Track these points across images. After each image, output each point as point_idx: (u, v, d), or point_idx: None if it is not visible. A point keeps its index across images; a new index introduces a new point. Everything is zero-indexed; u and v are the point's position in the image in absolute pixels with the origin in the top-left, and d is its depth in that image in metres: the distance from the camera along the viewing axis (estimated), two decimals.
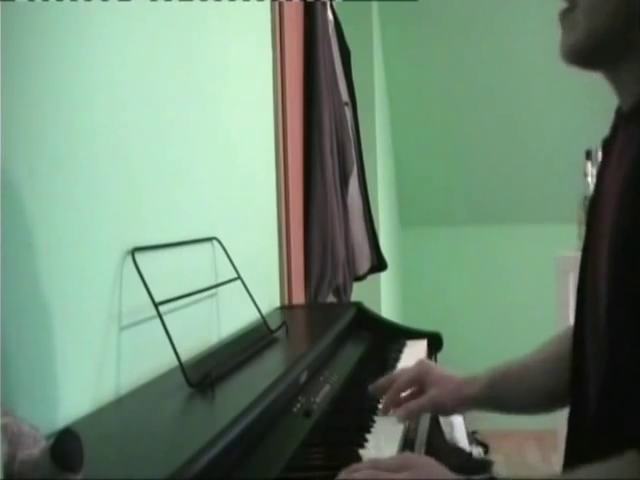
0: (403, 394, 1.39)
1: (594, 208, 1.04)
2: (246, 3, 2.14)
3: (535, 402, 1.31)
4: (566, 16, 0.97)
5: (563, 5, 0.98)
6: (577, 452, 1.01)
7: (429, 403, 1.34)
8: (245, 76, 2.14)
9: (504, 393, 1.32)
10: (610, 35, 0.94)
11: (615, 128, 1.02)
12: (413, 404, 1.35)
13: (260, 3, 2.30)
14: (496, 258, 4.74)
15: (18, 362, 1.06)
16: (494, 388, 1.31)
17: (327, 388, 1.54)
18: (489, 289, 4.75)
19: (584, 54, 0.96)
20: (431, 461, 1.04)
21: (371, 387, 1.44)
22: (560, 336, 1.27)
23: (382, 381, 1.44)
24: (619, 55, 0.95)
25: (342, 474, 1.02)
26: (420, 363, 1.43)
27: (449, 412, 1.43)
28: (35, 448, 0.82)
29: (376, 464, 1.03)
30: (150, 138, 1.50)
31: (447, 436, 3.69)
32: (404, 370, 1.45)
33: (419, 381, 1.37)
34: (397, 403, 1.38)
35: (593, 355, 1.00)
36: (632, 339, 0.87)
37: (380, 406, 1.41)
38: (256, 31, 2.30)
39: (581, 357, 1.04)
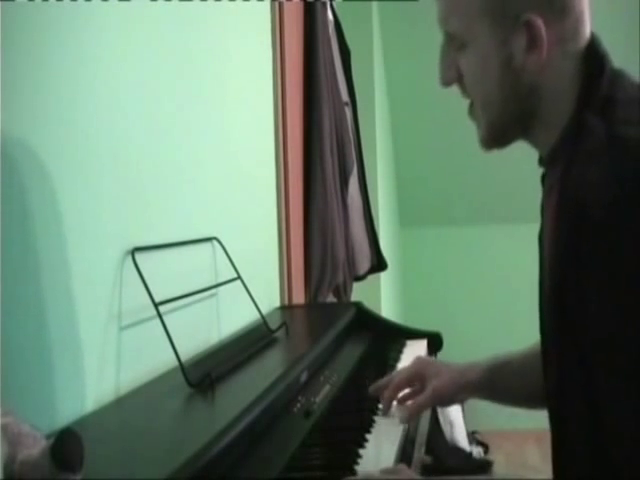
0: (402, 393, 1.39)
1: (541, 241, 1.10)
2: (246, 3, 2.14)
3: (530, 396, 1.31)
4: (471, 112, 1.09)
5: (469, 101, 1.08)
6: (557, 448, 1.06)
7: (430, 395, 1.34)
8: (245, 76, 2.14)
9: (502, 382, 1.33)
10: (507, 117, 1.05)
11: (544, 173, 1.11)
12: (415, 402, 1.35)
13: (260, 3, 2.30)
14: (496, 258, 4.74)
15: (18, 362, 1.06)
16: (493, 376, 1.32)
17: (327, 388, 1.54)
18: (489, 289, 4.74)
19: (495, 140, 1.10)
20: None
21: (371, 388, 1.45)
22: None
23: (382, 381, 1.44)
24: (523, 125, 1.05)
25: None
26: (417, 359, 1.44)
27: (451, 400, 1.43)
28: (35, 448, 0.82)
29: (370, 474, 1.05)
30: (150, 138, 1.50)
31: (447, 436, 3.69)
32: (403, 369, 1.45)
33: (419, 377, 1.38)
34: (398, 401, 1.38)
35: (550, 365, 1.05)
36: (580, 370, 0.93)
37: (380, 406, 1.41)
38: (256, 31, 2.30)
39: (545, 360, 1.09)
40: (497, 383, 1.33)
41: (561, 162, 1.00)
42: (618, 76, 1.01)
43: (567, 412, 0.97)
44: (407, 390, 1.41)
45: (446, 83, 1.09)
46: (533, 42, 0.99)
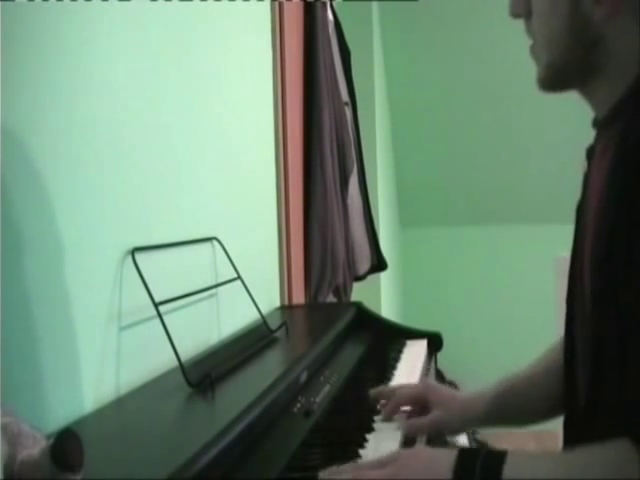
0: (403, 408, 1.38)
1: (580, 214, 1.09)
2: (246, 3, 2.13)
3: (540, 412, 1.30)
4: (532, 51, 1.08)
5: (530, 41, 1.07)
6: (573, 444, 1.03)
7: (434, 424, 1.32)
8: (245, 76, 2.14)
9: (509, 408, 1.31)
10: (569, 62, 1.03)
11: (596, 137, 1.09)
12: (417, 422, 1.33)
13: (260, 3, 2.30)
14: (496, 258, 4.74)
15: (18, 362, 1.06)
16: (499, 405, 1.30)
17: (327, 388, 1.54)
18: (489, 289, 4.74)
19: (551, 83, 1.07)
20: (419, 449, 1.04)
21: (372, 392, 1.43)
22: (560, 343, 1.27)
23: (384, 389, 1.44)
24: (584, 76, 1.04)
25: (322, 474, 1.03)
26: (424, 382, 1.42)
27: (454, 432, 1.42)
28: (35, 448, 0.82)
29: (359, 465, 1.05)
30: (150, 138, 1.50)
31: (447, 436, 3.69)
32: (406, 385, 1.44)
33: (421, 400, 1.35)
34: (398, 415, 1.37)
35: (582, 355, 1.04)
36: (614, 333, 0.91)
37: (381, 416, 1.40)
38: (256, 31, 2.30)
39: (572, 358, 1.08)
40: (503, 411, 1.31)
41: (622, 121, 0.98)
42: None
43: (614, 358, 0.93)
44: (407, 408, 1.39)
45: (515, 14, 1.08)
46: None
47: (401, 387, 1.45)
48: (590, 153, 1.10)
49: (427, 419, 1.32)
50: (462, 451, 0.97)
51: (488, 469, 0.93)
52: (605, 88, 1.02)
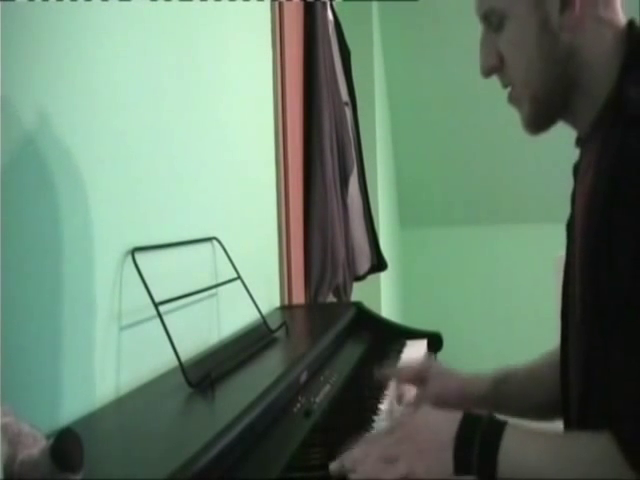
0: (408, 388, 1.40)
1: (569, 230, 1.11)
2: (246, 3, 2.13)
3: (536, 408, 1.31)
4: (512, 97, 1.10)
5: (507, 90, 1.10)
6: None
7: (434, 396, 1.33)
8: (245, 76, 2.14)
9: (507, 395, 1.32)
10: (551, 90, 1.06)
11: (580, 155, 1.11)
12: (417, 396, 1.35)
13: (260, 3, 2.30)
14: (496, 258, 4.74)
15: (18, 362, 1.06)
16: (498, 389, 1.31)
17: (327, 388, 1.54)
18: (489, 289, 4.74)
19: (540, 120, 1.09)
20: (424, 411, 1.06)
21: (378, 373, 1.45)
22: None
23: (389, 370, 1.47)
24: (567, 102, 1.06)
25: (339, 461, 1.04)
26: (426, 359, 1.44)
27: (453, 409, 1.42)
28: (35, 448, 0.82)
29: (369, 438, 1.06)
30: (150, 138, 1.50)
31: None
32: (409, 364, 1.46)
33: (424, 375, 1.37)
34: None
35: (575, 360, 1.07)
36: (601, 343, 0.95)
37: (381, 406, 1.41)
38: (256, 31, 2.30)
39: (566, 364, 1.11)
40: (502, 396, 1.32)
41: (601, 134, 1.00)
42: None
43: (594, 385, 0.98)
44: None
45: (488, 71, 1.10)
46: (565, 2, 1.01)
47: (404, 366, 1.48)
48: (575, 171, 1.12)
49: (427, 393, 1.34)
50: (464, 419, 1.00)
51: (487, 441, 0.97)
52: (585, 102, 1.04)
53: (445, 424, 1.01)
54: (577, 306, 1.03)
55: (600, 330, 0.95)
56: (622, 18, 1.05)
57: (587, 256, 0.98)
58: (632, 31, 1.04)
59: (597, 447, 0.93)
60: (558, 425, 1.16)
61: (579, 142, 1.10)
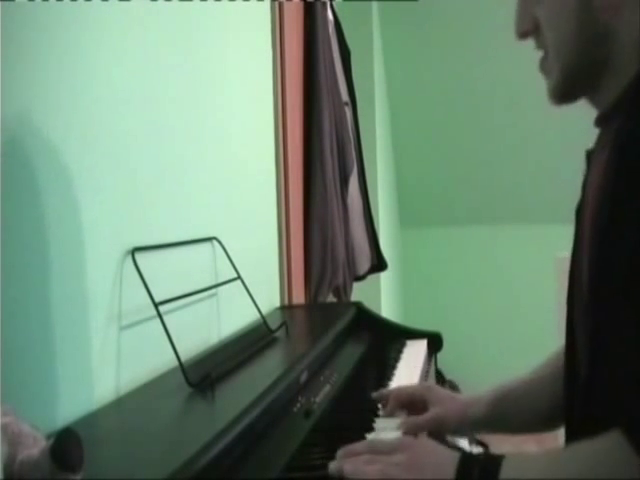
0: (402, 410, 1.39)
1: (579, 215, 1.10)
2: (246, 3, 2.13)
3: (537, 421, 1.31)
4: (543, 65, 1.08)
5: (540, 55, 1.08)
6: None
7: (433, 421, 1.33)
8: (245, 76, 2.14)
9: (506, 412, 1.31)
10: (582, 64, 1.04)
11: (597, 140, 1.09)
12: (416, 420, 1.33)
13: (260, 3, 2.30)
14: (496, 258, 4.74)
15: (18, 362, 1.06)
16: (497, 408, 1.30)
17: (327, 388, 1.54)
18: (489, 289, 4.74)
19: (566, 92, 1.07)
20: (429, 443, 1.05)
21: (375, 394, 1.44)
22: (560, 352, 1.26)
23: (386, 391, 1.45)
24: (596, 77, 1.04)
25: (340, 452, 1.04)
26: (423, 383, 1.43)
27: (452, 432, 1.42)
28: (35, 448, 0.82)
29: (374, 446, 1.05)
30: (150, 138, 1.50)
31: (447, 435, 3.68)
32: (407, 386, 1.45)
33: (420, 399, 1.36)
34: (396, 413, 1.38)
35: (582, 353, 1.04)
36: (611, 332, 0.92)
37: (381, 413, 1.40)
38: (256, 31, 2.30)
39: (572, 357, 1.08)
40: (501, 415, 1.31)
41: (619, 118, 0.99)
42: None
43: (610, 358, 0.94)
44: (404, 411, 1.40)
45: (522, 33, 1.09)
46: None
47: (400, 388, 1.45)
48: (589, 156, 1.11)
49: (425, 417, 1.33)
50: (464, 454, 0.99)
51: (486, 471, 0.95)
52: (613, 82, 1.02)
53: (447, 456, 0.99)
54: (584, 289, 1.02)
55: (608, 312, 0.92)
56: None
57: (598, 241, 0.96)
58: None
59: (602, 447, 0.91)
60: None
61: (598, 121, 1.07)
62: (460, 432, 1.40)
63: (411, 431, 1.32)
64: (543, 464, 0.97)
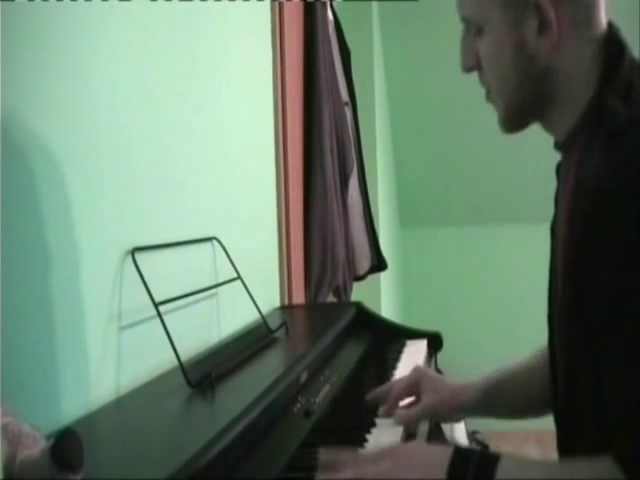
0: (402, 403, 1.39)
1: (554, 231, 1.12)
2: (246, 3, 2.14)
3: (529, 407, 1.32)
4: (488, 98, 1.11)
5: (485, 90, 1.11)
6: (565, 446, 1.07)
7: (425, 411, 1.33)
8: (245, 76, 2.14)
9: (499, 399, 1.32)
10: (524, 100, 1.06)
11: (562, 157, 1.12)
12: (408, 412, 1.34)
13: (260, 3, 2.30)
14: (496, 258, 4.74)
15: (18, 362, 1.06)
16: (489, 394, 1.32)
17: (327, 388, 1.54)
18: (489, 289, 4.74)
19: (512, 124, 1.10)
20: (416, 445, 1.05)
21: (369, 396, 1.44)
22: None
23: (379, 390, 1.44)
24: (541, 108, 1.07)
25: (321, 473, 1.03)
26: (415, 369, 1.43)
27: (445, 419, 1.42)
28: (35, 448, 0.82)
29: (357, 459, 1.04)
30: (150, 138, 1.50)
31: (447, 436, 3.69)
32: (401, 378, 1.45)
33: (416, 388, 1.37)
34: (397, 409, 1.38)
35: (560, 365, 1.06)
36: (583, 350, 0.95)
37: (380, 412, 1.40)
38: (256, 31, 2.30)
39: (554, 369, 1.10)
40: (492, 401, 1.32)
41: (579, 144, 1.01)
42: (637, 63, 1.03)
43: (577, 396, 0.98)
44: (406, 400, 1.40)
45: (466, 69, 1.11)
46: (543, 25, 1.00)
47: (395, 382, 1.45)
48: (558, 171, 1.14)
49: (418, 407, 1.33)
50: (457, 451, 0.97)
51: (481, 471, 0.94)
52: (561, 115, 1.05)
53: (437, 456, 0.98)
54: (558, 310, 1.04)
55: (584, 337, 0.95)
56: (603, 30, 1.03)
57: (569, 264, 0.98)
58: (610, 44, 1.02)
59: (596, 469, 0.90)
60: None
61: (557, 146, 1.10)
62: (453, 419, 1.41)
63: (405, 423, 1.33)
64: (538, 474, 0.96)
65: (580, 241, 0.94)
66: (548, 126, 1.09)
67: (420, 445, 1.07)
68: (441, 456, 0.97)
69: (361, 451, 1.17)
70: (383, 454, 1.01)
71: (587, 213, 0.93)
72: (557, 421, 1.11)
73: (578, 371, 0.98)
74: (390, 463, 0.99)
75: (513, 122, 1.10)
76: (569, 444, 1.05)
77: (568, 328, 1.00)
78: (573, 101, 1.03)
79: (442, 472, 0.95)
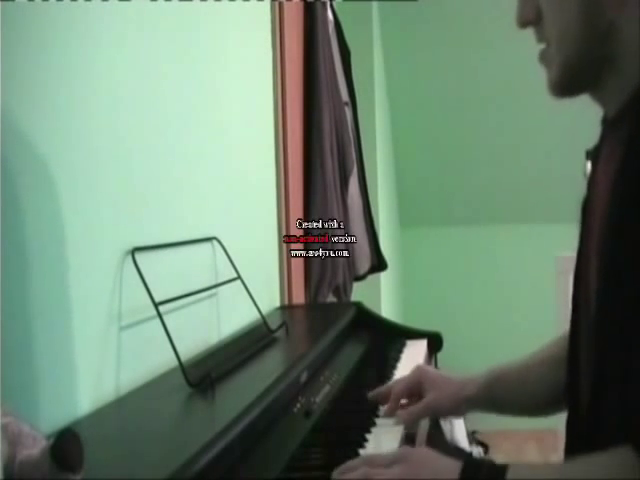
0: (403, 401, 1.39)
1: (585, 214, 1.07)
2: (246, 3, 2.13)
3: (532, 405, 1.31)
4: (544, 56, 1.04)
5: (541, 46, 1.04)
6: (575, 452, 1.02)
7: (427, 407, 1.33)
8: (245, 76, 2.14)
9: (501, 394, 1.31)
10: (583, 60, 1.00)
11: (602, 137, 1.06)
12: (411, 410, 1.34)
13: (260, 3, 2.30)
14: (496, 258, 4.74)
15: (18, 362, 1.06)
16: (492, 389, 1.31)
17: (327, 388, 1.54)
18: (489, 289, 4.74)
19: (566, 85, 1.03)
20: (428, 453, 1.04)
21: (370, 395, 1.44)
22: (559, 339, 1.26)
23: (381, 389, 1.44)
24: (597, 74, 1.00)
25: (335, 473, 1.02)
26: (416, 368, 1.43)
27: (448, 414, 1.42)
28: (35, 448, 0.82)
29: (371, 460, 1.03)
30: (150, 138, 1.50)
31: (447, 436, 3.69)
32: (402, 378, 1.45)
33: (417, 387, 1.37)
34: (398, 409, 1.38)
35: (585, 356, 1.02)
36: (620, 336, 0.89)
37: (381, 413, 1.40)
38: (256, 31, 2.30)
39: (576, 359, 1.06)
40: (495, 396, 1.31)
41: (631, 119, 0.95)
42: None
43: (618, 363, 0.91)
44: (406, 401, 1.40)
45: (524, 23, 1.04)
46: None
47: (396, 382, 1.45)
48: (595, 154, 1.08)
49: (417, 407, 1.33)
50: (467, 461, 0.97)
51: (492, 471, 0.94)
52: (617, 82, 0.99)
53: (448, 465, 0.97)
54: (592, 293, 0.99)
55: (620, 320, 0.89)
56: None
57: (608, 243, 0.94)
58: None
59: (613, 462, 0.88)
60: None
61: (605, 122, 1.04)
62: (455, 414, 1.41)
63: (407, 421, 1.33)
64: (550, 475, 0.95)
65: (625, 222, 0.90)
66: (600, 95, 1.03)
67: (432, 452, 1.06)
68: (452, 464, 0.97)
69: (371, 454, 1.16)
70: (395, 458, 1.01)
71: (635, 194, 0.89)
72: (571, 416, 1.08)
73: (611, 359, 0.92)
74: (402, 469, 0.99)
75: (567, 84, 1.03)
76: (584, 443, 1.00)
77: (603, 316, 0.94)
78: (628, 70, 0.97)
79: (455, 473, 0.95)
